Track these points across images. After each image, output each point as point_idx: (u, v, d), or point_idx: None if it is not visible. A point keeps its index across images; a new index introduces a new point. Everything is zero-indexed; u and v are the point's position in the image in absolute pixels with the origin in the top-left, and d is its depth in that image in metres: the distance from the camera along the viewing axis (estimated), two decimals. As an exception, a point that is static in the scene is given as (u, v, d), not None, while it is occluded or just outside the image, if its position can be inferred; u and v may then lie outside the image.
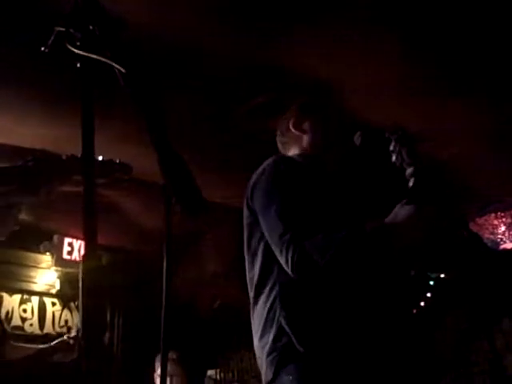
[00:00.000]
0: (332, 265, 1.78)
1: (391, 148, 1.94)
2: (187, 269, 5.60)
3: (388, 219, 1.87)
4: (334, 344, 1.83)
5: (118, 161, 2.04)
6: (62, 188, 1.94)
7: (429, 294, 5.59)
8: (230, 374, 6.30)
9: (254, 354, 2.05)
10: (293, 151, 2.24)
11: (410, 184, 1.87)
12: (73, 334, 2.78)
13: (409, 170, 1.89)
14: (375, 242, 1.82)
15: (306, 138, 2.22)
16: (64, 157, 1.94)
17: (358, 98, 3.71)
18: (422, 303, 5.54)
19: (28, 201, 1.97)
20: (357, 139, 2.08)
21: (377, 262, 1.87)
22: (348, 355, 1.82)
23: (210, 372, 6.14)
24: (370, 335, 1.87)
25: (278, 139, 2.32)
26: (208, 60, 3.42)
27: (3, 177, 1.89)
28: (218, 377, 6.21)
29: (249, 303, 2.08)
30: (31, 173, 1.87)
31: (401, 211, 1.86)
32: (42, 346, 2.73)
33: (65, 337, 2.74)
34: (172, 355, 4.26)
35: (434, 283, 5.57)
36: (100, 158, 1.90)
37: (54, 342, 2.75)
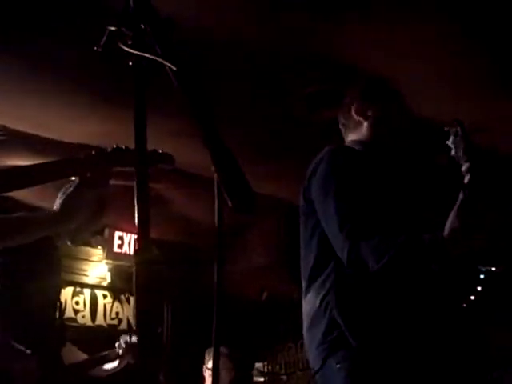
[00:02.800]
0: (385, 270, 1.78)
1: (450, 142, 1.93)
2: (234, 261, 5.64)
3: (446, 229, 1.82)
4: (386, 339, 1.82)
5: (160, 151, 2.07)
6: (113, 181, 1.98)
7: (479, 288, 5.50)
8: (278, 367, 6.32)
9: (302, 346, 2.06)
10: (353, 136, 2.17)
11: (466, 180, 1.86)
12: (122, 343, 2.83)
13: (465, 166, 1.87)
14: (432, 254, 1.80)
15: (367, 125, 2.14)
16: (109, 149, 1.98)
17: (413, 90, 3.65)
18: (473, 297, 5.45)
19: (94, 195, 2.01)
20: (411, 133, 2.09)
21: (432, 269, 1.87)
22: (400, 350, 1.82)
23: (258, 365, 6.17)
24: (424, 331, 1.87)
25: (340, 121, 2.25)
26: (260, 51, 3.41)
27: (60, 171, 1.94)
28: (265, 369, 6.24)
29: (296, 295, 2.09)
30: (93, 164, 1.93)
31: (457, 220, 1.82)
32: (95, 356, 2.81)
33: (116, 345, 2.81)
34: (223, 350, 4.30)
35: (485, 277, 5.47)
36: None
37: (106, 353, 2.81)
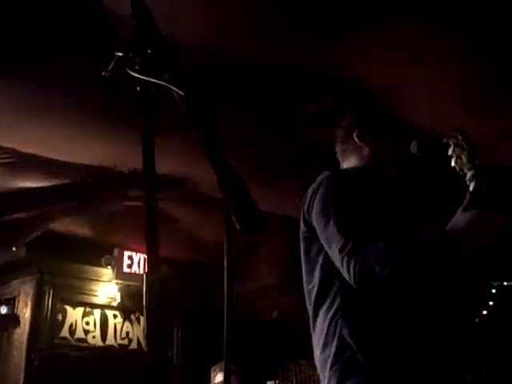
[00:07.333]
0: (394, 274, 1.75)
1: (449, 153, 1.92)
2: (244, 280, 5.63)
3: (449, 225, 1.83)
4: (399, 359, 1.81)
5: (171, 176, 2.08)
6: (118, 203, 2.00)
7: (491, 303, 5.46)
8: (289, 385, 6.28)
9: (313, 364, 2.04)
10: (351, 161, 2.21)
11: (471, 188, 1.85)
12: None
13: (469, 174, 1.87)
14: (437, 248, 1.79)
15: (367, 150, 2.18)
16: (126, 171, 2.00)
17: (419, 105, 3.66)
18: (484, 312, 5.41)
19: (82, 217, 2.02)
20: (413, 147, 2.08)
21: (439, 269, 1.85)
22: (413, 370, 1.80)
23: (269, 383, 6.14)
24: (436, 350, 1.85)
25: (337, 146, 2.28)
26: (263, 69, 3.42)
27: (64, 194, 1.96)
28: (277, 387, 6.20)
29: (306, 313, 2.08)
30: (89, 190, 1.94)
31: (462, 216, 1.83)
32: None
33: None
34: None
35: (496, 291, 5.44)
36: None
37: None
